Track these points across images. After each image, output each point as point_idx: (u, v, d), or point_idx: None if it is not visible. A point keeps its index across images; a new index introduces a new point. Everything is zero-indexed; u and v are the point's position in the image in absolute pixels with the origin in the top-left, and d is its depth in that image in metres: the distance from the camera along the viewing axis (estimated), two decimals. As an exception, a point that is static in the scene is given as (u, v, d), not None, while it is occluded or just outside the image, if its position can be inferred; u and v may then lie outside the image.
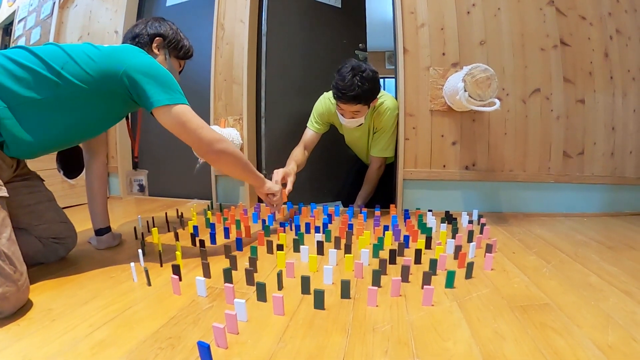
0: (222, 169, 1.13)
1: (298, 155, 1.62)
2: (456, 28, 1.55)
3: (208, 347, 0.54)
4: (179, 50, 1.15)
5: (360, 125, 1.56)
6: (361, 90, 1.35)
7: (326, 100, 1.62)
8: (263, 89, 1.82)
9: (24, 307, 0.73)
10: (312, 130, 1.68)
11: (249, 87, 1.76)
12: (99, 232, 1.14)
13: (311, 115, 1.69)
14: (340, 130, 1.75)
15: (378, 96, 1.54)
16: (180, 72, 1.21)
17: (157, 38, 1.09)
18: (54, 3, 2.29)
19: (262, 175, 1.24)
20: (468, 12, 1.55)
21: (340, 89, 1.36)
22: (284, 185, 1.43)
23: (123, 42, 1.10)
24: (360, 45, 2.15)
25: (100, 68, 0.88)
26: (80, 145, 1.16)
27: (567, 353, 0.58)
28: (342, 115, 1.47)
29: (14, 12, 2.73)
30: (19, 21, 2.64)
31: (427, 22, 1.56)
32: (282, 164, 1.54)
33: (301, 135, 1.70)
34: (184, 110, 0.94)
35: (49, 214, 0.99)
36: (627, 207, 1.64)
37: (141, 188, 1.36)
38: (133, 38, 1.08)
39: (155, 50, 1.10)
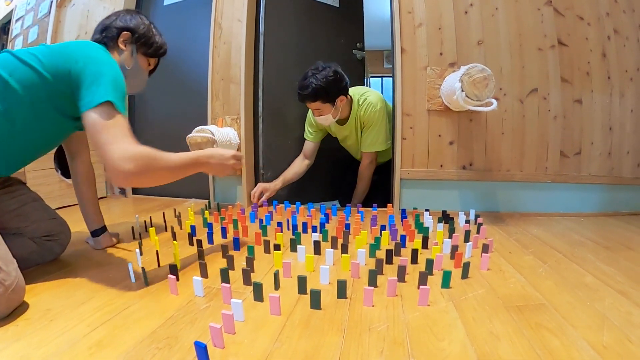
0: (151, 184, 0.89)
1: (292, 167, 1.75)
2: (454, 28, 1.55)
3: (205, 347, 0.54)
4: (148, 47, 1.06)
5: (345, 124, 1.64)
6: (312, 90, 1.45)
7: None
8: (260, 89, 1.82)
9: (22, 308, 0.73)
10: (307, 140, 1.77)
11: (247, 87, 1.76)
12: (94, 233, 1.13)
13: (305, 125, 1.77)
14: (332, 134, 1.77)
15: (361, 93, 1.64)
16: (152, 72, 1.14)
17: (125, 32, 1.00)
18: (52, 2, 2.28)
19: (196, 155, 0.93)
20: (466, 12, 1.55)
21: (297, 88, 1.50)
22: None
23: (93, 35, 1.03)
24: (357, 44, 2.15)
25: (50, 68, 0.81)
26: (63, 147, 1.12)
27: (562, 353, 0.58)
28: (313, 113, 1.58)
29: (11, 11, 2.72)
30: (17, 20, 2.63)
31: (425, 21, 1.56)
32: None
33: (298, 134, 1.72)
34: (108, 112, 0.77)
35: (36, 214, 0.97)
36: (624, 207, 1.65)
37: (122, 190, 1.37)
38: (101, 31, 1.01)
39: (122, 46, 1.01)
